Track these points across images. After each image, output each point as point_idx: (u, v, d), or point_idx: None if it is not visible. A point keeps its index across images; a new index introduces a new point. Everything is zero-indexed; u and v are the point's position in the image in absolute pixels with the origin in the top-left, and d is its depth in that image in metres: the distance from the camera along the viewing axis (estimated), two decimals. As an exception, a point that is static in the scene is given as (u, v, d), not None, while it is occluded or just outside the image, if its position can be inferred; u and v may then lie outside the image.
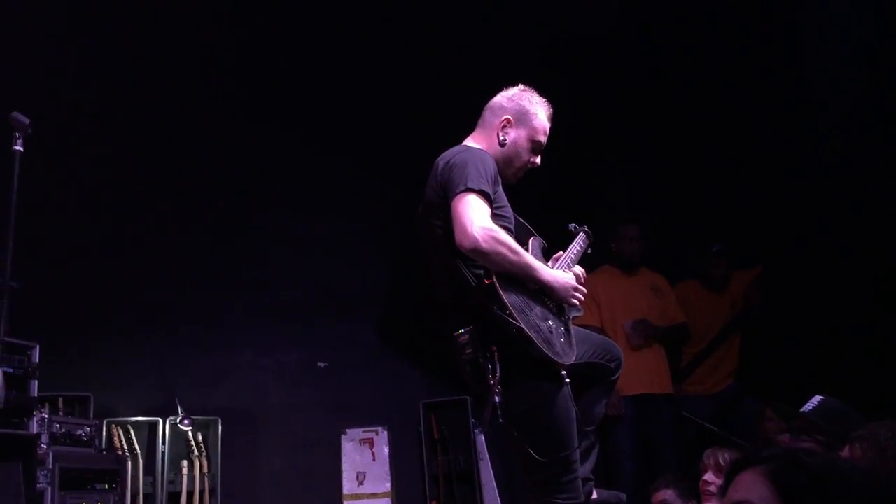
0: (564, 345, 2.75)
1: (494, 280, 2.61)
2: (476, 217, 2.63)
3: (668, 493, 3.92)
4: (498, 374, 2.56)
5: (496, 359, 2.57)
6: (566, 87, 4.34)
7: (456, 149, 2.94)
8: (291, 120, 5.80)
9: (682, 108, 5.61)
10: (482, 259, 2.65)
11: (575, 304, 2.92)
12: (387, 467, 5.88)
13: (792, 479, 1.32)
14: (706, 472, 3.38)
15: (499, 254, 2.63)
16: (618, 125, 5.88)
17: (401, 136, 5.65)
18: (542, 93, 3.11)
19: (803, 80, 5.24)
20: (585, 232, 3.39)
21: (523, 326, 2.55)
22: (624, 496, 3.46)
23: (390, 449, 5.94)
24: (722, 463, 3.33)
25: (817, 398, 3.35)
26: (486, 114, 3.09)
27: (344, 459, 5.94)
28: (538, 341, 2.58)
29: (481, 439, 5.80)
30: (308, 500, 5.90)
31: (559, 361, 2.66)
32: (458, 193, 2.69)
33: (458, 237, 2.64)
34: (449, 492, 5.84)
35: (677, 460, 5.04)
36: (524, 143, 3.01)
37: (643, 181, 5.97)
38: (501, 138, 3.00)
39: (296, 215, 6.13)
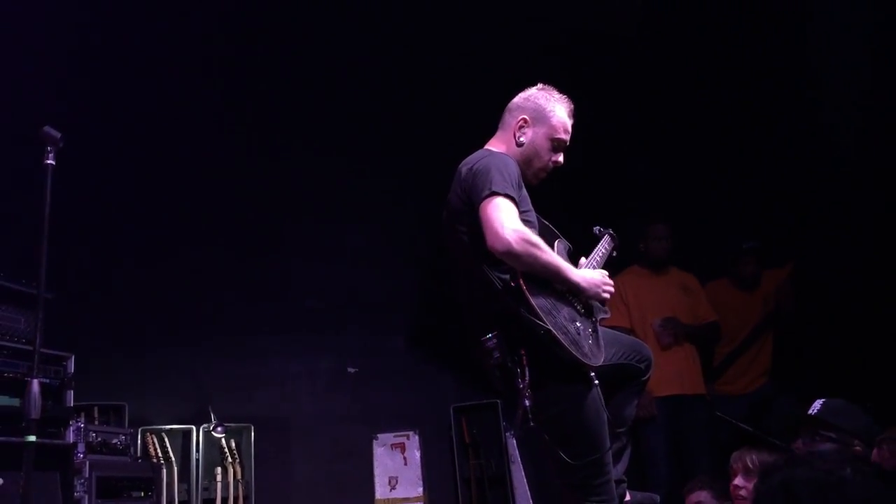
0: (592, 346, 2.74)
1: (521, 282, 2.60)
2: (507, 220, 2.61)
3: (702, 495, 3.88)
4: (527, 378, 2.55)
5: (525, 362, 2.56)
6: (591, 86, 4.32)
7: (478, 154, 2.92)
8: (318, 131, 5.85)
9: (711, 106, 5.57)
10: (514, 262, 2.62)
11: (606, 298, 2.91)
12: (419, 471, 5.89)
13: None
14: (735, 476, 3.34)
15: (531, 255, 2.61)
16: (644, 124, 5.85)
17: (427, 144, 5.66)
18: (564, 91, 3.06)
19: (825, 74, 5.19)
20: (610, 234, 3.35)
21: (551, 328, 2.54)
22: (658, 497, 3.44)
23: (422, 453, 5.94)
24: (751, 465, 3.28)
25: (820, 401, 3.33)
26: (505, 115, 3.06)
27: (376, 464, 5.95)
28: (566, 343, 2.56)
29: (513, 442, 5.78)
30: (341, 504, 5.93)
31: (587, 363, 2.63)
32: (484, 198, 2.66)
33: (490, 241, 2.62)
34: (481, 495, 5.83)
35: (711, 461, 4.98)
36: (543, 143, 2.97)
37: (671, 180, 5.92)
38: (519, 139, 2.97)
39: (324, 225, 6.19)
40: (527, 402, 2.51)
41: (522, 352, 2.57)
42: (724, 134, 5.63)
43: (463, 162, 2.91)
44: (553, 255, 2.73)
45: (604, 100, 5.24)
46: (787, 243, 5.50)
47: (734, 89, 5.47)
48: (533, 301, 2.57)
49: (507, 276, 2.67)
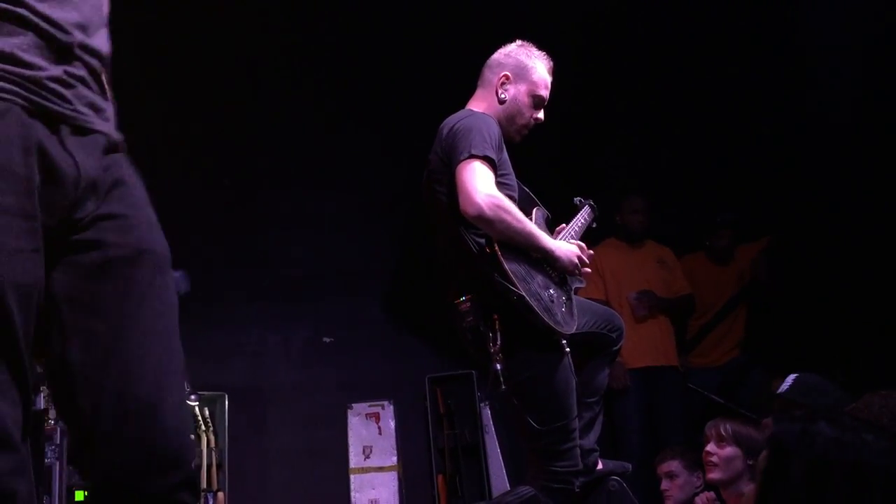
0: (565, 314, 2.75)
1: (496, 248, 2.61)
2: (480, 184, 2.62)
3: (673, 464, 3.93)
4: (499, 343, 2.56)
5: (497, 327, 2.58)
6: (571, 56, 4.29)
7: (460, 114, 2.91)
8: (295, 95, 5.77)
9: (690, 77, 5.55)
10: (486, 226, 2.63)
11: (579, 272, 2.91)
12: (393, 441, 5.89)
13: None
14: (708, 443, 3.38)
15: (502, 221, 2.62)
16: (624, 95, 5.83)
17: (407, 109, 5.60)
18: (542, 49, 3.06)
19: (807, 49, 5.19)
20: (590, 205, 3.37)
21: (524, 294, 2.55)
22: (630, 466, 3.47)
23: (396, 423, 5.94)
24: (724, 434, 3.32)
25: (792, 377, 3.34)
26: (485, 72, 3.05)
27: (350, 433, 5.94)
28: (539, 310, 2.58)
29: (487, 413, 5.80)
30: (315, 473, 5.92)
31: (560, 330, 2.66)
32: (462, 160, 2.67)
33: (463, 204, 2.62)
34: (455, 465, 5.85)
35: (683, 432, 5.04)
36: (524, 99, 2.96)
37: (649, 153, 5.92)
38: (501, 95, 2.96)
39: (301, 191, 6.11)
40: (498, 367, 2.52)
41: (495, 317, 2.58)
42: (704, 108, 5.63)
43: (444, 122, 2.90)
44: (527, 223, 2.73)
45: (583, 69, 5.21)
46: (763, 218, 5.52)
47: (714, 60, 5.46)
48: (507, 266, 2.58)
49: (483, 241, 2.68)
